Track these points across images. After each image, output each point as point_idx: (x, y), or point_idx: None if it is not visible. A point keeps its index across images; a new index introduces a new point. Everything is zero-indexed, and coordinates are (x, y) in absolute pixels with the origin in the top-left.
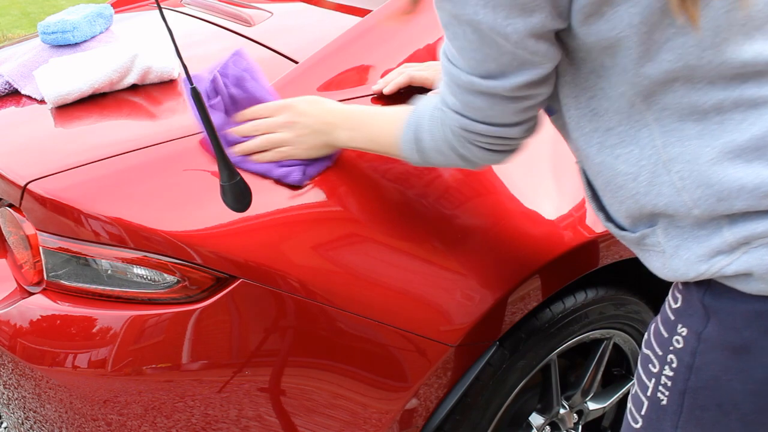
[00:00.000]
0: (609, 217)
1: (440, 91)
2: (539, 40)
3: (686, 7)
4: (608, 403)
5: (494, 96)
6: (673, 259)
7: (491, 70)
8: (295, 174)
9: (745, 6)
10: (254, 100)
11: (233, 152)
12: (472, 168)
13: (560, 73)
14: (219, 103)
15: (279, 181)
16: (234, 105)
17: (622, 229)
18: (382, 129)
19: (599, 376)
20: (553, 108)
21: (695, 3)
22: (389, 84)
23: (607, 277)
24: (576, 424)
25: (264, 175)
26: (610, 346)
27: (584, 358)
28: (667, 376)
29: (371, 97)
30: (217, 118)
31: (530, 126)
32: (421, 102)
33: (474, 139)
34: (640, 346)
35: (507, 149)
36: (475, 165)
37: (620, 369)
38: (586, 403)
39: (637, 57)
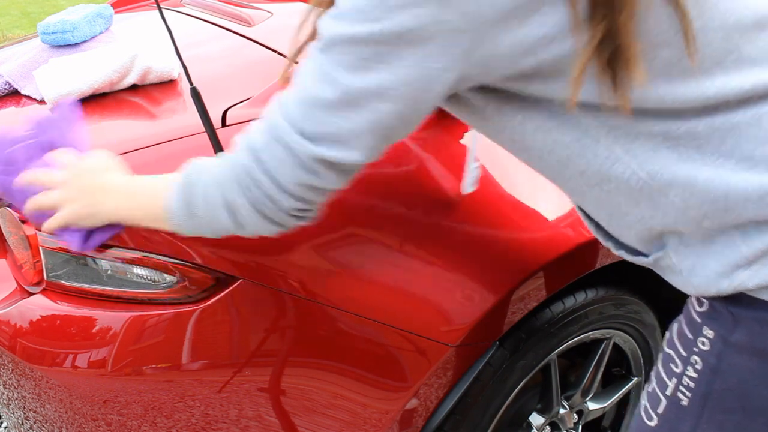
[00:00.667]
0: (620, 244)
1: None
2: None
3: (628, 67)
4: (608, 403)
5: (293, 154)
6: (692, 277)
7: (312, 130)
8: (74, 241)
9: (693, 56)
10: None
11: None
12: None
13: (497, 132)
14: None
15: None
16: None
17: (636, 253)
18: (149, 194)
19: (599, 376)
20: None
21: (635, 62)
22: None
23: (607, 277)
24: (576, 424)
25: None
26: (610, 346)
27: (584, 358)
28: (690, 377)
29: None
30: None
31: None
32: (194, 164)
33: (251, 192)
34: (640, 346)
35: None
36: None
37: (620, 369)
38: (586, 403)
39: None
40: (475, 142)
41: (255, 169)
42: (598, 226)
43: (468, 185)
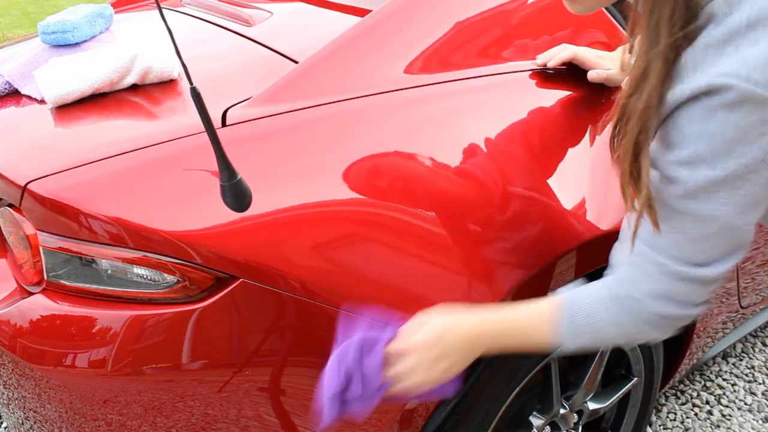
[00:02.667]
0: None
1: (622, 280)
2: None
3: None
4: (608, 403)
5: (699, 282)
6: None
7: (704, 259)
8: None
9: None
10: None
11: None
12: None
13: None
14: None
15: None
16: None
17: None
18: (528, 333)
19: (599, 376)
20: None
21: None
22: (553, 59)
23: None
24: (576, 424)
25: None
26: (610, 346)
27: (584, 358)
28: None
29: (530, 72)
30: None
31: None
32: (574, 294)
33: (664, 323)
34: (640, 346)
35: (678, 326)
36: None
37: (620, 369)
38: (586, 403)
39: None
40: None
41: (664, 310)
42: None
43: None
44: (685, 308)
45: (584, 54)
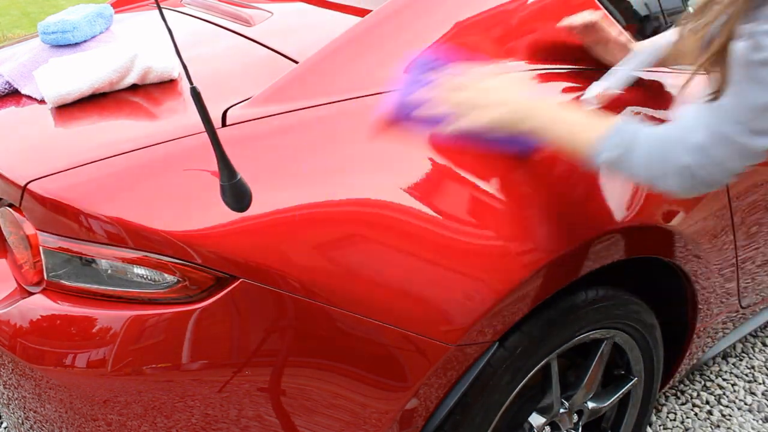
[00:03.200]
0: None
1: (675, 126)
2: None
3: None
4: (608, 403)
5: (745, 150)
6: None
7: (759, 128)
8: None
9: None
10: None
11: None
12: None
13: None
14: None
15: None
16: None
17: None
18: (577, 129)
19: (599, 376)
20: None
21: None
22: (576, 18)
23: (607, 277)
24: (576, 424)
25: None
26: (611, 346)
27: (584, 358)
28: None
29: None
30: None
31: None
32: (630, 119)
33: (690, 180)
34: (640, 346)
35: (696, 191)
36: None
37: (620, 369)
38: (586, 403)
39: None
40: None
41: (697, 166)
42: None
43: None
44: (717, 173)
45: (607, 28)
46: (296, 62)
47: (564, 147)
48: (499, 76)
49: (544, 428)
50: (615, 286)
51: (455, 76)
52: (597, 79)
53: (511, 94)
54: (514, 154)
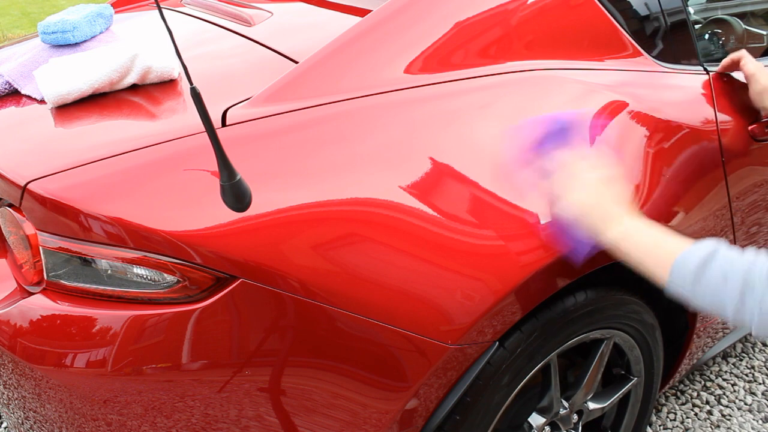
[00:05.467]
0: None
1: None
2: None
3: None
4: (608, 403)
5: None
6: None
7: None
8: (579, 243)
9: None
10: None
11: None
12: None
13: None
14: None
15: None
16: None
17: None
18: (659, 248)
19: (599, 376)
20: None
21: None
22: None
23: (607, 278)
24: (576, 424)
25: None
26: (611, 346)
27: (584, 358)
28: None
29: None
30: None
31: None
32: (716, 248)
33: None
34: (640, 346)
35: None
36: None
37: (620, 369)
38: (586, 403)
39: None
40: None
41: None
42: None
43: None
44: None
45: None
46: (296, 62)
47: (639, 268)
48: (603, 169)
49: (544, 428)
50: (615, 286)
51: (574, 155)
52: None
53: (605, 197)
54: (572, 252)
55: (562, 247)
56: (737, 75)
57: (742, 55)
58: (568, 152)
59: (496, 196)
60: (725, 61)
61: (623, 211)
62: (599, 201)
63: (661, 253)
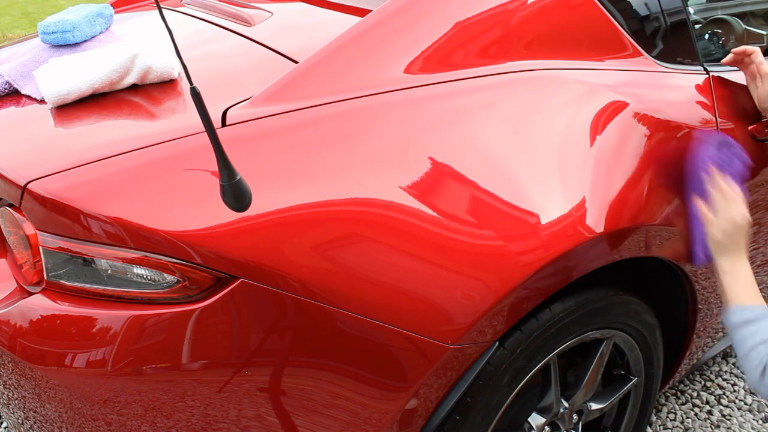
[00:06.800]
0: None
1: None
2: None
3: None
4: (608, 403)
5: None
6: None
7: None
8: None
9: None
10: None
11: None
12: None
13: None
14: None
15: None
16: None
17: None
18: (733, 287)
19: (599, 376)
20: None
21: None
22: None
23: (607, 278)
24: (576, 424)
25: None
26: (611, 346)
27: (584, 358)
28: None
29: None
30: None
31: None
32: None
33: None
34: (640, 346)
35: None
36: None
37: (620, 369)
38: (586, 403)
39: None
40: None
41: None
42: None
43: None
44: None
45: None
46: (296, 62)
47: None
48: (746, 208)
49: (544, 428)
50: (615, 286)
51: (734, 186)
52: None
53: (742, 233)
54: (696, 256)
55: (694, 248)
56: (738, 75)
57: (756, 50)
58: (732, 180)
59: (496, 197)
60: (737, 50)
61: (744, 252)
62: (738, 234)
63: (732, 296)
